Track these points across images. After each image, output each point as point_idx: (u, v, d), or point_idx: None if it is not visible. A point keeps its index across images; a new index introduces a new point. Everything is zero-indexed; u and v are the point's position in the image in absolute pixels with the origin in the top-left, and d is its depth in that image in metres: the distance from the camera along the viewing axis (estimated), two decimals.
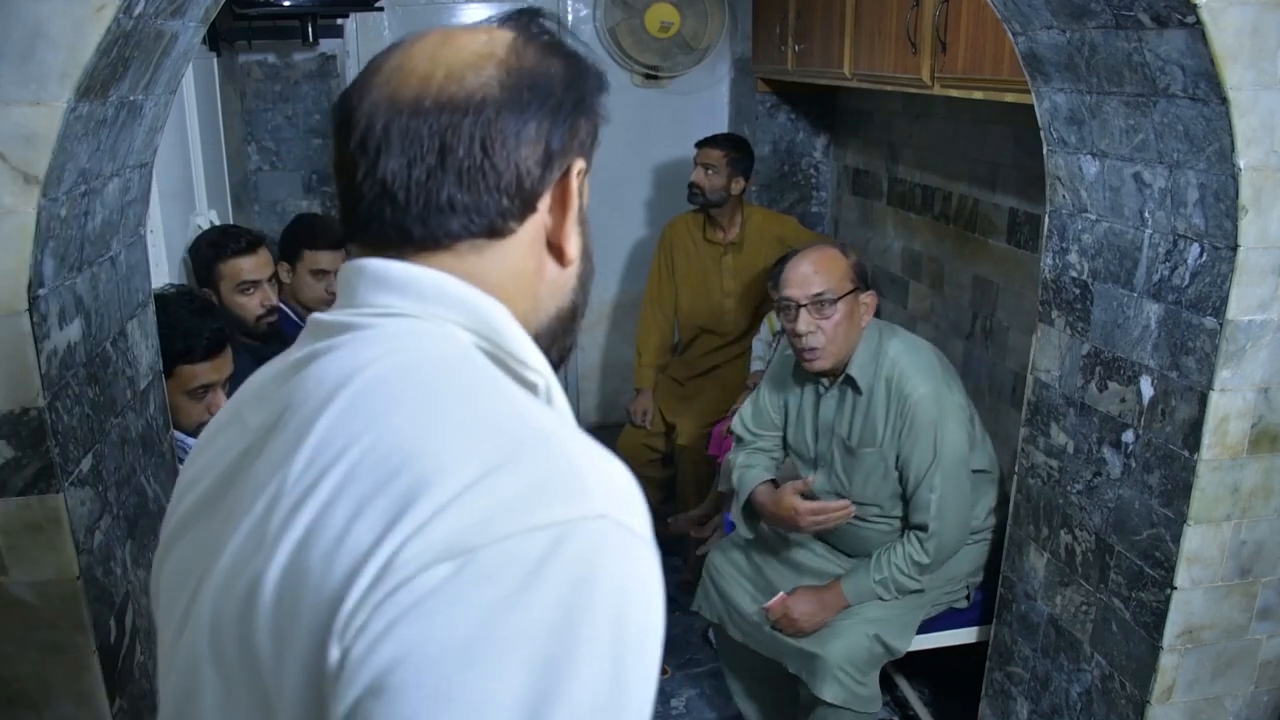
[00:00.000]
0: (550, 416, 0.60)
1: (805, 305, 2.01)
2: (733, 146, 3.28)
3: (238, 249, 2.32)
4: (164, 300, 1.68)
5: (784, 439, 2.28)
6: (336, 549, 0.52)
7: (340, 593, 0.51)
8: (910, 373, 2.03)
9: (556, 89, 0.66)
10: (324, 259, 2.69)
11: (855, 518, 2.09)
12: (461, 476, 0.52)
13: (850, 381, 2.08)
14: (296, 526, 0.55)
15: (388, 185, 0.63)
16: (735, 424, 2.34)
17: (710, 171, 3.21)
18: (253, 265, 2.33)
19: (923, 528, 2.03)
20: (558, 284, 0.70)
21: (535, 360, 0.65)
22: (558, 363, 0.71)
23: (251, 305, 2.31)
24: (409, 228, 0.64)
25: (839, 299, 2.01)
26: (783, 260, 2.14)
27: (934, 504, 2.01)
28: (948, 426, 2.01)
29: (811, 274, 2.03)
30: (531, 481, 0.53)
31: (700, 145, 3.28)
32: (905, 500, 2.08)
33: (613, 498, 0.55)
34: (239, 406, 0.70)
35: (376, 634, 0.49)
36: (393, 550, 0.51)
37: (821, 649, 2.02)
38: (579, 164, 0.68)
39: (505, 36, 0.68)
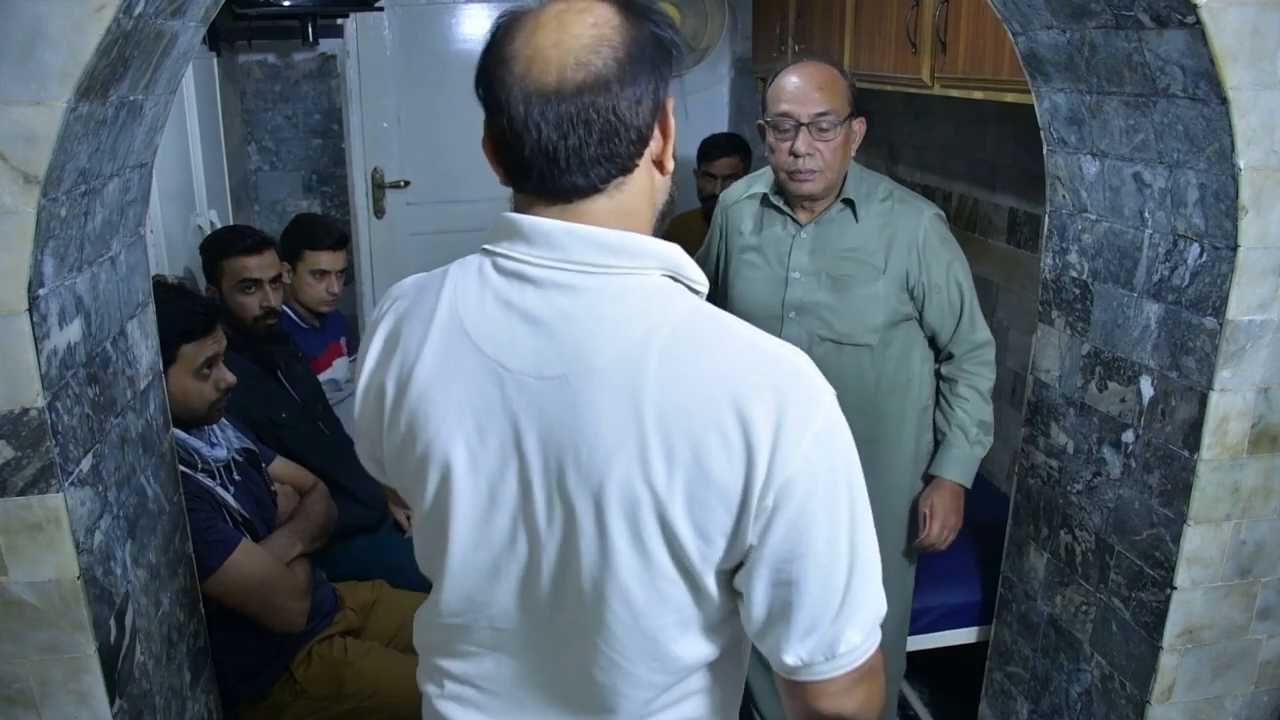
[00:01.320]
0: (751, 329, 0.89)
1: (806, 124, 1.86)
2: (742, 149, 3.30)
3: (243, 247, 2.33)
4: (154, 290, 1.69)
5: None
6: (729, 465, 0.82)
7: (744, 488, 0.83)
8: (910, 198, 1.99)
9: (652, 54, 0.85)
10: (325, 259, 2.70)
11: (830, 343, 1.96)
12: (769, 402, 0.83)
13: (849, 205, 1.97)
14: (682, 454, 0.82)
15: (550, 154, 0.84)
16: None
17: (728, 180, 3.24)
18: (256, 264, 2.33)
19: (973, 344, 1.98)
20: (662, 188, 0.94)
21: (700, 276, 0.92)
22: None
23: (250, 305, 2.32)
24: (574, 182, 0.86)
25: (841, 122, 1.89)
26: (770, 77, 1.95)
27: (975, 312, 1.96)
28: (958, 251, 1.98)
29: (814, 91, 1.86)
30: (799, 393, 0.85)
31: (711, 157, 3.27)
32: (921, 322, 1.99)
33: (821, 378, 0.88)
34: (456, 326, 0.90)
35: (778, 502, 0.84)
36: (768, 458, 0.82)
37: None
38: (669, 98, 0.89)
39: (607, 14, 0.85)
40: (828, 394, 0.87)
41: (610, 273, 0.86)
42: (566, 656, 0.96)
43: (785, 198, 1.99)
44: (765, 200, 2.03)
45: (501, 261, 0.89)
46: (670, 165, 0.93)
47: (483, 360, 0.88)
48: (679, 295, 0.88)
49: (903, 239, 1.94)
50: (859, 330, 1.95)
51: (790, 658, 0.90)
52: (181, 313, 1.71)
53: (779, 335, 1.72)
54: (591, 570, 0.88)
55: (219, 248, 2.33)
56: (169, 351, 1.67)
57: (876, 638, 0.92)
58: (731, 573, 0.91)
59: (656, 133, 0.89)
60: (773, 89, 1.91)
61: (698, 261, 1.71)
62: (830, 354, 1.96)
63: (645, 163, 0.89)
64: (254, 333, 2.35)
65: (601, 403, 0.84)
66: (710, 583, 0.89)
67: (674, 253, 0.89)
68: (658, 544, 0.86)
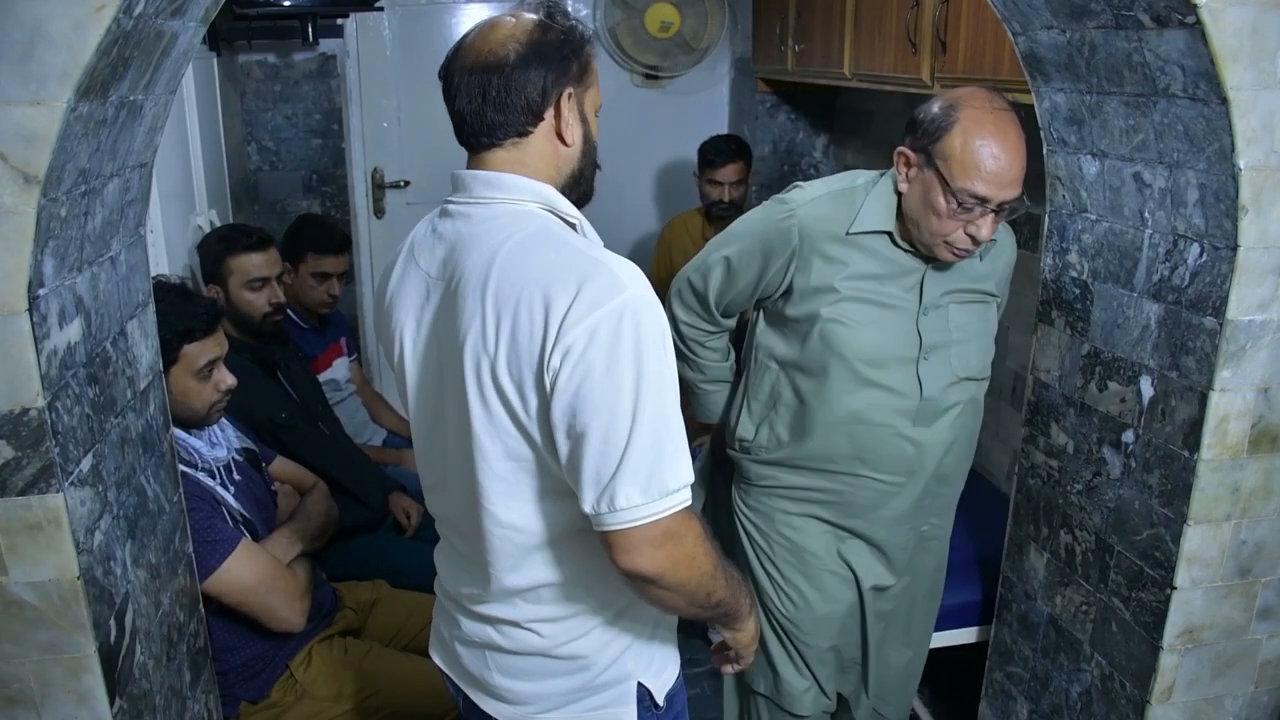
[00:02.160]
0: (588, 244, 1.13)
1: (996, 211, 1.58)
2: (744, 153, 3.31)
3: (249, 244, 2.32)
4: (155, 291, 1.69)
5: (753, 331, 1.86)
6: (530, 333, 1.05)
7: (540, 350, 1.05)
8: None
9: (551, 53, 1.14)
10: (328, 263, 2.70)
11: (969, 381, 1.75)
12: (571, 288, 1.04)
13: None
14: (505, 325, 1.07)
15: (464, 115, 1.16)
16: (686, 282, 1.86)
17: (736, 185, 3.26)
18: (263, 262, 2.33)
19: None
20: (567, 156, 1.20)
21: (570, 210, 1.18)
22: (579, 203, 1.22)
23: (259, 302, 2.32)
24: (480, 138, 1.17)
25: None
26: (946, 114, 1.59)
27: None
28: None
29: (1017, 173, 1.56)
30: (599, 284, 1.04)
31: (715, 165, 3.27)
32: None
33: (636, 281, 1.07)
34: (410, 254, 1.25)
35: (563, 362, 1.04)
36: (558, 327, 1.04)
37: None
38: (568, 89, 1.16)
39: (526, 22, 1.16)
40: (633, 291, 1.05)
41: (492, 203, 1.16)
42: (468, 501, 1.19)
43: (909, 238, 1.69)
44: (892, 239, 1.70)
45: (445, 206, 1.22)
46: (571, 140, 1.19)
47: (418, 272, 1.22)
48: (537, 217, 1.15)
49: (1001, 262, 1.78)
50: (984, 363, 1.80)
51: (585, 505, 1.08)
52: (183, 313, 1.71)
53: (915, 377, 1.72)
54: (464, 425, 1.14)
55: (225, 246, 2.32)
56: (170, 352, 1.67)
57: (669, 504, 1.07)
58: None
59: (551, 111, 1.16)
60: (966, 152, 1.54)
61: (724, 280, 1.81)
62: (969, 390, 1.77)
63: (542, 133, 1.17)
64: (261, 330, 2.35)
65: (465, 294, 1.11)
66: (538, 435, 1.10)
67: (548, 191, 1.17)
68: (493, 397, 1.10)
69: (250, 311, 2.31)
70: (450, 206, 1.20)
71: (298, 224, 2.82)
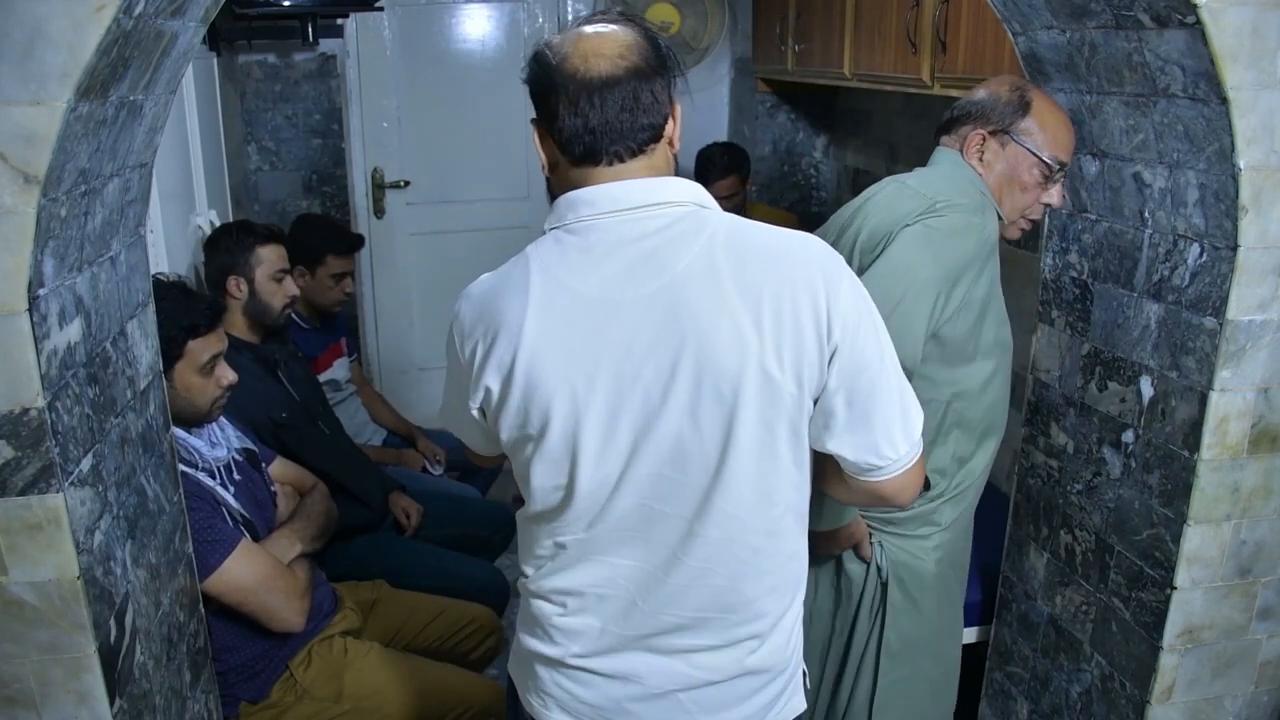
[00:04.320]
0: (782, 230, 1.18)
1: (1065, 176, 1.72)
2: (739, 166, 3.28)
3: (269, 236, 2.33)
4: (156, 288, 1.69)
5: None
6: (814, 315, 1.10)
7: (823, 329, 1.11)
8: None
9: (664, 57, 1.15)
10: (346, 263, 2.73)
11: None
12: (818, 262, 1.14)
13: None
14: (768, 316, 1.10)
15: (612, 124, 1.11)
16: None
17: (730, 198, 3.23)
18: (282, 254, 2.35)
19: None
20: (672, 163, 1.20)
21: (712, 201, 1.18)
22: None
23: (282, 293, 2.33)
24: (626, 142, 1.12)
25: None
26: (1027, 100, 1.69)
27: None
28: None
29: None
30: (832, 255, 1.16)
31: (709, 179, 3.22)
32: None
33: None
34: (553, 290, 1.13)
35: (843, 332, 1.11)
36: (828, 304, 1.11)
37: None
38: (677, 95, 1.18)
39: (628, 29, 1.15)
40: (839, 258, 1.16)
41: (672, 205, 1.14)
42: (689, 516, 1.16)
43: None
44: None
45: (573, 226, 1.14)
46: (678, 145, 1.20)
47: (590, 301, 1.11)
48: (714, 213, 1.15)
49: None
50: None
51: (876, 457, 1.17)
52: (187, 309, 1.71)
53: (1010, 374, 1.71)
54: (712, 432, 1.12)
55: (249, 239, 2.30)
56: (175, 348, 1.67)
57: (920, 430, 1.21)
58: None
59: (671, 119, 1.16)
60: (1055, 124, 1.67)
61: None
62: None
63: (666, 138, 1.16)
64: (275, 324, 2.35)
65: (695, 296, 1.09)
66: (806, 414, 1.15)
67: (701, 192, 1.17)
68: (763, 388, 1.11)
69: (272, 302, 2.31)
70: (600, 220, 1.13)
71: (308, 227, 2.82)
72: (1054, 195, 1.70)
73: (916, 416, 1.20)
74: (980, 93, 1.73)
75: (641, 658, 1.20)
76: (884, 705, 1.81)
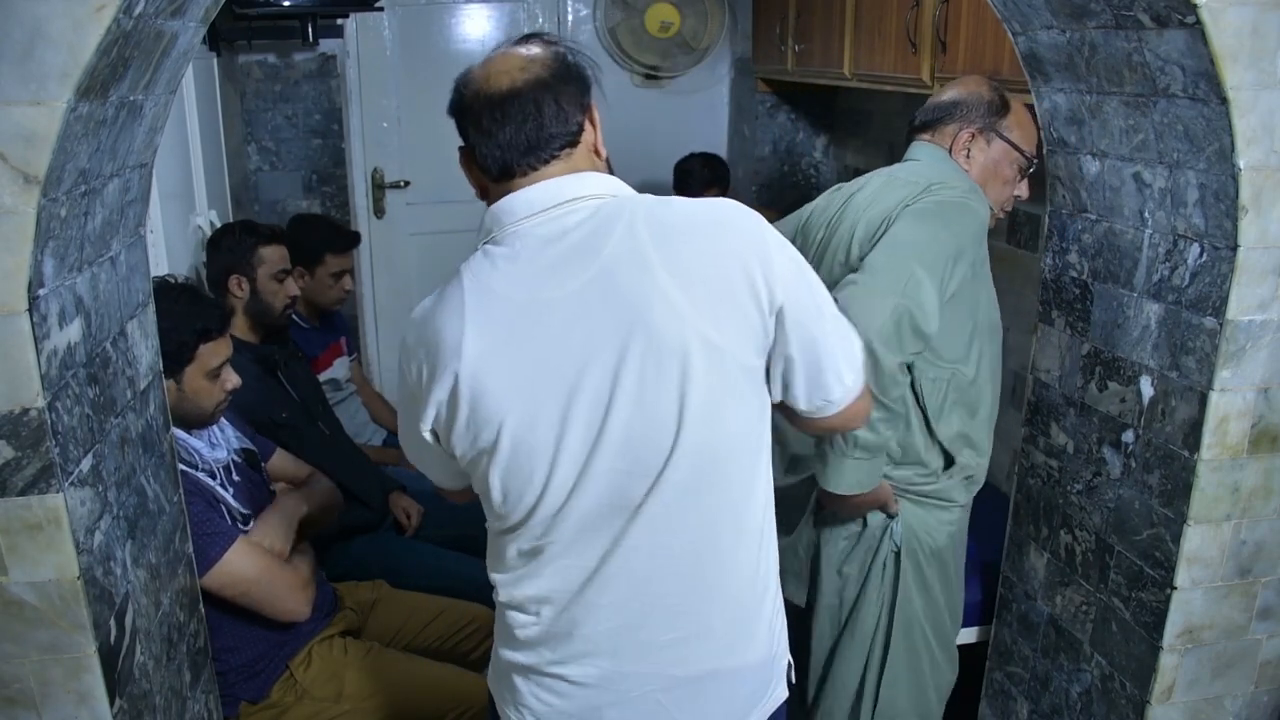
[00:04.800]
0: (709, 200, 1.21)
1: None
2: (720, 178, 3.26)
3: (271, 236, 2.34)
4: (167, 290, 1.70)
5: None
6: (749, 282, 1.12)
7: (764, 293, 1.13)
8: None
9: (577, 71, 1.18)
10: (345, 261, 2.74)
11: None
12: (750, 227, 1.17)
13: None
14: (705, 289, 1.12)
15: (518, 136, 1.14)
16: (907, 323, 1.60)
17: None
18: (284, 255, 2.35)
19: None
20: (600, 160, 1.22)
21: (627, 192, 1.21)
22: None
23: (283, 294, 2.33)
24: (538, 152, 1.15)
25: None
26: (1005, 99, 1.83)
27: None
28: None
29: None
30: (756, 217, 1.19)
31: (689, 189, 3.24)
32: None
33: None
34: (487, 302, 1.13)
35: (784, 291, 1.14)
36: (768, 267, 1.14)
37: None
38: (593, 102, 1.20)
39: (535, 47, 1.18)
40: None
41: (594, 197, 1.15)
42: (696, 524, 1.17)
43: None
44: None
45: (498, 237, 1.16)
46: (604, 151, 1.23)
47: (522, 305, 1.12)
48: (631, 198, 1.17)
49: None
50: None
51: (828, 395, 1.20)
52: (198, 313, 1.73)
53: (1000, 356, 1.80)
54: (696, 417, 1.12)
55: (253, 239, 2.31)
56: (187, 352, 1.69)
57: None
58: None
59: (588, 125, 1.19)
60: (1026, 122, 1.82)
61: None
62: None
63: (585, 143, 1.18)
64: (276, 324, 2.36)
65: (625, 281, 1.10)
66: (762, 378, 1.18)
67: (619, 184, 1.19)
68: (726, 361, 1.12)
69: (274, 302, 2.32)
70: (523, 225, 1.15)
71: (305, 228, 2.81)
72: (1024, 188, 1.84)
73: (856, 343, 1.23)
74: (954, 93, 1.84)
75: (616, 660, 1.20)
76: (892, 677, 1.86)
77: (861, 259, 1.68)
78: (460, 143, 1.19)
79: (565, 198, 1.14)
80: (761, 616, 1.24)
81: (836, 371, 1.19)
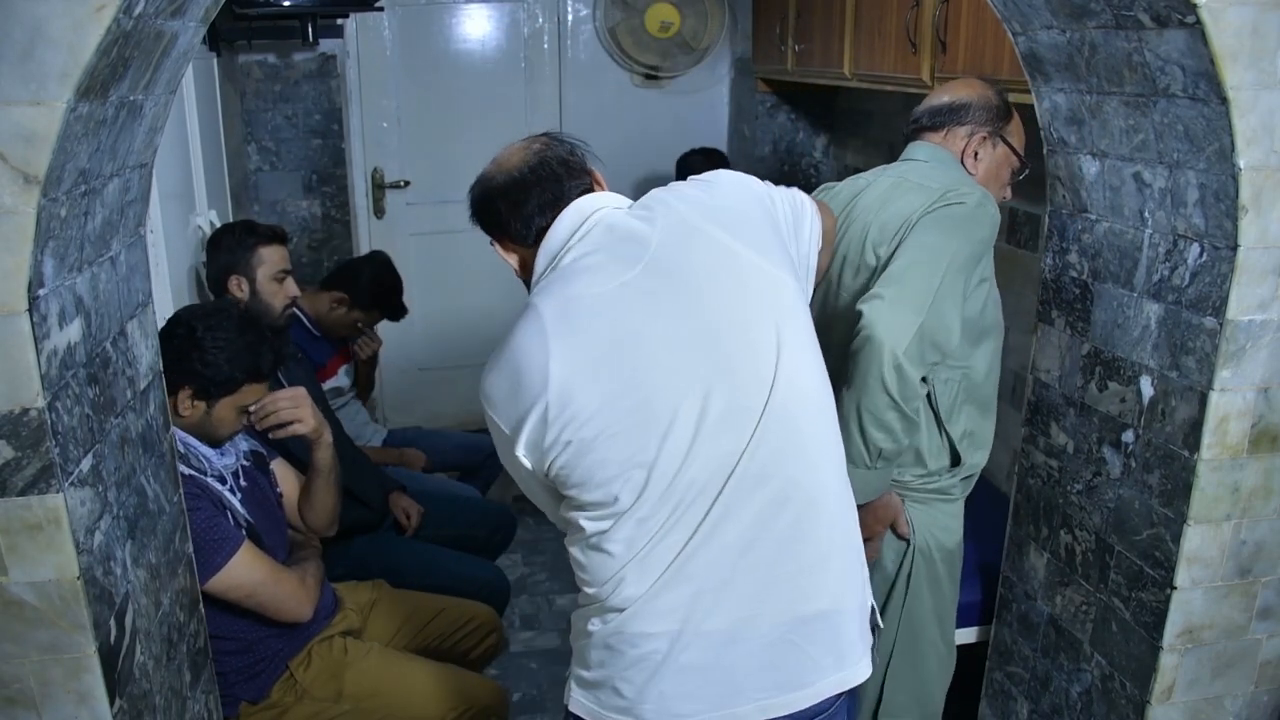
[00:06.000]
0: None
1: None
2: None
3: (272, 236, 2.32)
4: (230, 317, 1.74)
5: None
6: (758, 224, 1.35)
7: (775, 227, 1.37)
8: None
9: (566, 144, 1.39)
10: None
11: None
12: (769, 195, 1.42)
13: None
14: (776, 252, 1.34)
15: (551, 193, 1.32)
16: (930, 340, 1.63)
17: None
18: (285, 255, 2.34)
19: None
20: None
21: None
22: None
23: (283, 294, 2.32)
24: (564, 203, 1.32)
25: None
26: (1004, 101, 1.89)
27: None
28: None
29: None
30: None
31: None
32: None
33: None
34: (564, 333, 1.24)
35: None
36: (766, 199, 1.39)
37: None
38: (594, 168, 1.40)
39: (537, 141, 1.38)
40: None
41: (606, 208, 1.32)
42: (795, 481, 1.26)
43: None
44: None
45: (554, 266, 1.30)
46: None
47: (608, 297, 1.23)
48: (648, 195, 1.34)
49: None
50: None
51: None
52: (259, 354, 1.75)
53: (1001, 353, 1.90)
54: (790, 382, 1.24)
55: (252, 239, 2.30)
56: (232, 387, 1.73)
57: None
58: None
59: (594, 184, 1.37)
60: (1022, 128, 1.90)
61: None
62: None
63: (597, 189, 1.37)
64: (275, 325, 2.35)
65: (682, 245, 1.26)
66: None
67: (613, 197, 1.36)
68: (799, 318, 1.31)
69: (273, 303, 2.31)
70: (573, 240, 1.30)
71: (385, 281, 2.85)
72: (1009, 190, 1.94)
73: (784, 191, 1.44)
74: (961, 95, 1.87)
75: (745, 604, 1.24)
76: (897, 672, 1.88)
77: (879, 262, 1.70)
78: (489, 239, 1.37)
79: (592, 209, 1.30)
80: (861, 557, 1.34)
81: (805, 225, 1.42)
